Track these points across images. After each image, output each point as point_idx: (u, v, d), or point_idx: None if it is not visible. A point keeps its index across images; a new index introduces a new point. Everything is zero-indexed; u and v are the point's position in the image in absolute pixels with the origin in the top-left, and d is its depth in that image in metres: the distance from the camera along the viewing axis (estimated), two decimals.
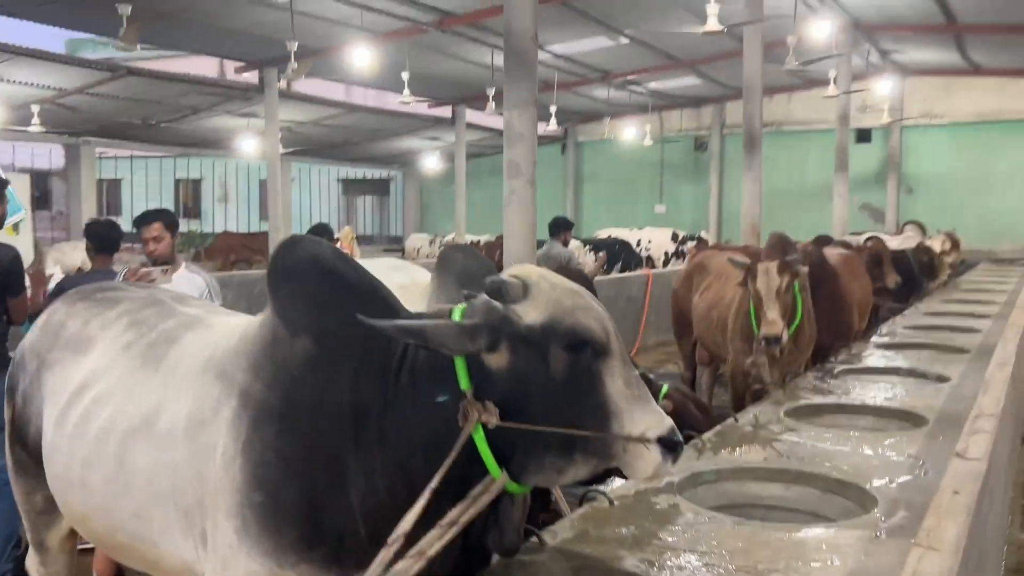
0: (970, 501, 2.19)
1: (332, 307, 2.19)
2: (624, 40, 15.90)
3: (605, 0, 13.53)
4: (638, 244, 18.00)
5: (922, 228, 18.26)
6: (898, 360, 5.50)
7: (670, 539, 2.60)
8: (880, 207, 20.92)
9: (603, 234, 18.84)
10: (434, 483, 1.96)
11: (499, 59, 9.66)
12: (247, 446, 2.13)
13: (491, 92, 16.37)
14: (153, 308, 2.71)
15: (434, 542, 1.93)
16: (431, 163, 25.22)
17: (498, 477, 1.96)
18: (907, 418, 3.95)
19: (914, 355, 5.63)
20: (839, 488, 3.03)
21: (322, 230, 9.77)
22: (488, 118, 20.60)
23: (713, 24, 10.42)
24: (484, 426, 1.95)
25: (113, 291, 2.91)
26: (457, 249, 4.06)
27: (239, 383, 2.21)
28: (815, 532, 2.64)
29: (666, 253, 18.45)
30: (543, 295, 2.03)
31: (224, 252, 18.74)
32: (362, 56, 13.11)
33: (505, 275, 2.06)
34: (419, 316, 2.14)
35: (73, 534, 2.91)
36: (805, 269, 4.73)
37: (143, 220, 4.50)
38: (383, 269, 3.68)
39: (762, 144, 11.80)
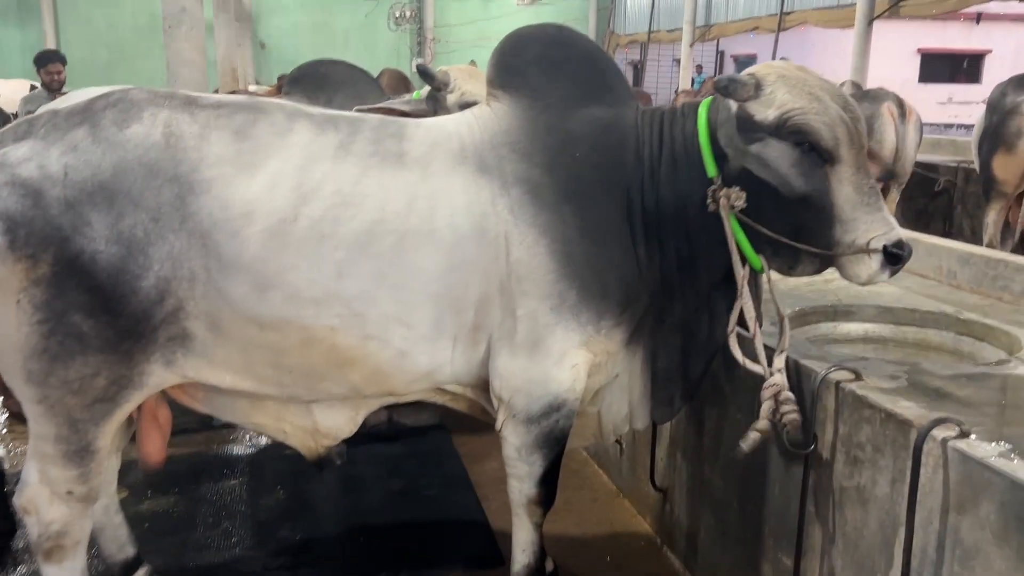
0: None
1: (597, 88, 2.41)
2: None
3: None
4: None
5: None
6: None
7: None
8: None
9: None
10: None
11: None
12: (547, 227, 2.27)
13: None
14: (293, 106, 2.42)
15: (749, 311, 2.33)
16: None
17: (757, 265, 2.34)
18: None
19: None
20: None
21: None
22: None
23: None
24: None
25: (200, 94, 2.40)
26: (331, 63, 3.71)
27: (512, 172, 2.31)
28: None
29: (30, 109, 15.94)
30: (777, 93, 2.18)
31: None
32: None
33: (743, 73, 2.32)
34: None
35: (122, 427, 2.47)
36: None
37: None
38: None
39: None
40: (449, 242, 2.28)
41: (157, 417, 2.69)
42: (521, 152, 2.34)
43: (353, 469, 3.89)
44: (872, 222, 2.18)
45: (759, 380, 2.33)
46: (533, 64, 2.43)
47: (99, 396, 2.24)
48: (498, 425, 2.53)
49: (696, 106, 2.41)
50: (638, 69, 23.11)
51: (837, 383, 2.21)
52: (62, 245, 2.10)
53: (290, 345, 2.29)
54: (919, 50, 21.34)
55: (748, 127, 2.24)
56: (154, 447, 2.68)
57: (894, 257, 2.17)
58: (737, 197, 2.24)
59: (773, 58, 15.01)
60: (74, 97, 2.84)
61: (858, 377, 2.22)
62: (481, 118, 2.44)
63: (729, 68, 23.58)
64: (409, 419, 4.20)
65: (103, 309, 2.15)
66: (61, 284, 2.12)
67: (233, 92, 9.08)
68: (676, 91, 16.87)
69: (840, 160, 2.18)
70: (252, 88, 12.42)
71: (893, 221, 2.20)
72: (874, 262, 2.17)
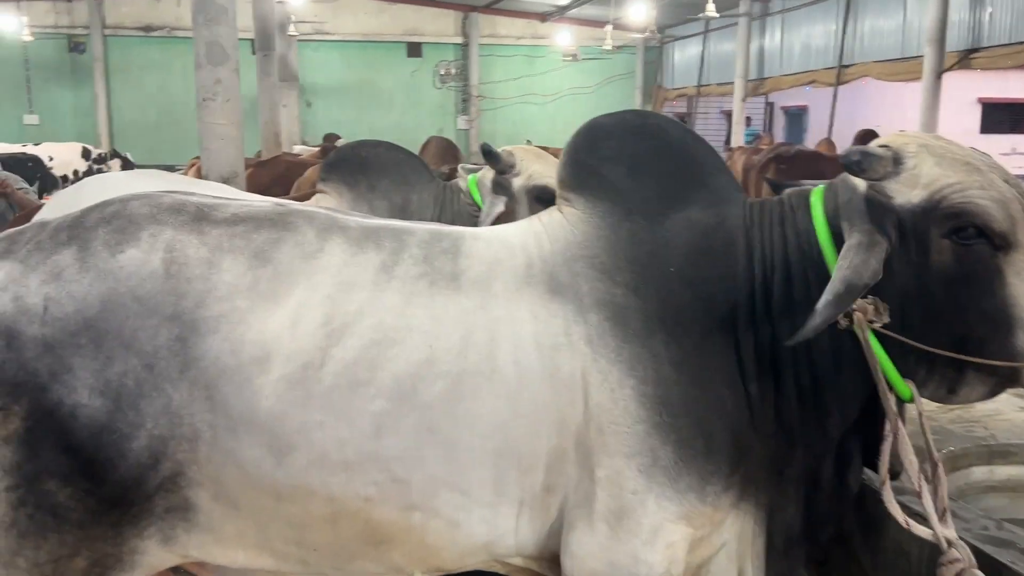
0: None
1: (693, 185, 1.98)
2: None
3: None
4: (50, 160, 15.34)
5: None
6: None
7: None
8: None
9: None
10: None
11: None
12: (634, 363, 1.81)
13: None
14: (327, 217, 2.00)
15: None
16: None
17: (906, 394, 1.85)
18: None
19: None
20: None
21: None
22: None
23: None
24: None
25: (217, 202, 2.00)
26: (372, 144, 3.35)
27: (589, 293, 1.87)
28: None
29: (76, 172, 16.07)
30: (923, 167, 1.76)
31: None
32: None
33: (874, 144, 1.83)
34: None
35: None
36: None
37: None
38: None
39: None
40: (514, 384, 1.83)
41: None
42: (600, 268, 1.90)
43: None
44: None
45: (912, 549, 1.83)
46: (611, 161, 2.00)
47: None
48: None
49: (806, 195, 1.95)
50: (685, 123, 22.81)
51: None
52: (37, 395, 1.73)
53: (315, 519, 1.85)
54: (980, 100, 20.64)
55: (885, 213, 1.77)
56: None
57: None
58: (877, 308, 1.76)
59: (832, 110, 14.49)
60: (83, 192, 2.45)
61: None
62: (551, 226, 2.01)
63: (779, 120, 23.10)
64: None
65: (83, 475, 1.75)
66: (35, 443, 1.74)
67: (277, 157, 8.86)
68: (726, 146, 16.42)
69: (1018, 246, 1.73)
70: (297, 149, 12.28)
71: None
72: None
